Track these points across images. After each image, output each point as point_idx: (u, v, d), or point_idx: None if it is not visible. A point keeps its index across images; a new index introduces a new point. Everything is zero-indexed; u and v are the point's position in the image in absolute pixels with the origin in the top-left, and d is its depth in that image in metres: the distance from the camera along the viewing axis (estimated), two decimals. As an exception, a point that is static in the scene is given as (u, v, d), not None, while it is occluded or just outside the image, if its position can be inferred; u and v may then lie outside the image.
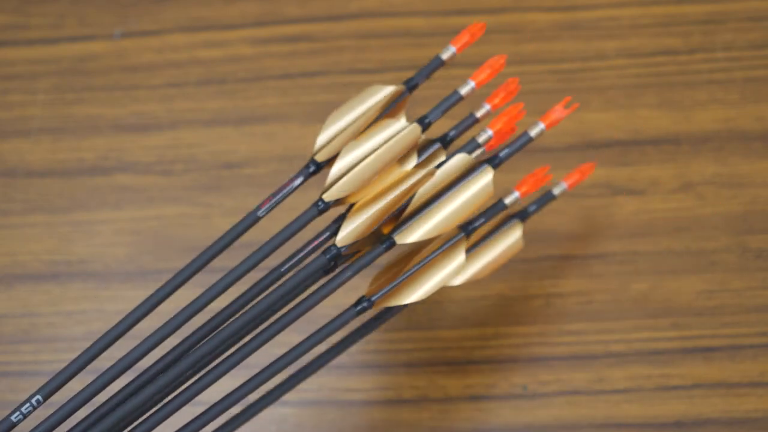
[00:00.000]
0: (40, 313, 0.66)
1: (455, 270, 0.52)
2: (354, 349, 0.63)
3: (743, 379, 0.62)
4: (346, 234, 0.50)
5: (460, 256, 0.52)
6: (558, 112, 0.55)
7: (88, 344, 0.65)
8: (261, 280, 0.50)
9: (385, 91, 0.53)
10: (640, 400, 0.61)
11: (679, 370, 0.62)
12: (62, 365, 0.65)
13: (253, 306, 0.50)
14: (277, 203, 0.51)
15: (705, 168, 0.67)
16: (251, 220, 0.50)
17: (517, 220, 0.56)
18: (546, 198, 0.58)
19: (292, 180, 0.51)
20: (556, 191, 0.58)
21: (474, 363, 0.63)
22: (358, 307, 0.51)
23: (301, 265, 0.51)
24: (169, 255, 0.67)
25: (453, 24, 0.73)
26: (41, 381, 0.65)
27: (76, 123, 0.71)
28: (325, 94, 0.71)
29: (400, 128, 0.52)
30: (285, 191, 0.51)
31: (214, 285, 0.49)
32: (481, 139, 0.54)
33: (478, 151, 0.54)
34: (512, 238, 0.56)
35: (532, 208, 0.58)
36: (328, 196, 0.51)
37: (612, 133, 0.68)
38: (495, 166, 0.53)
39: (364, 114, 0.52)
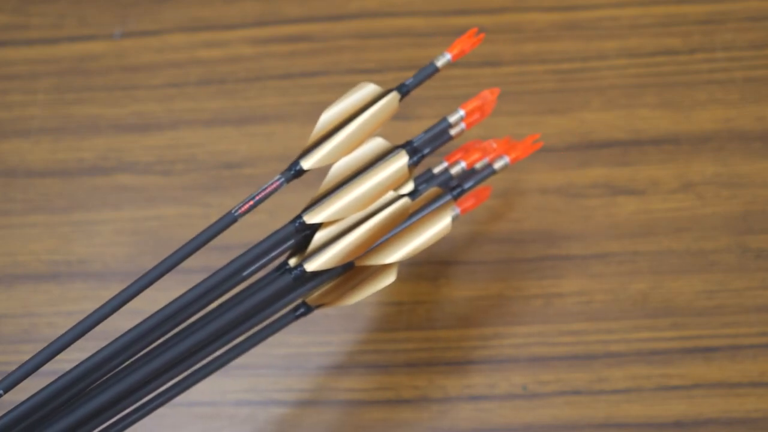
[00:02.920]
0: (40, 313, 0.66)
1: (441, 231, 0.52)
2: (354, 349, 0.63)
3: (743, 379, 0.62)
4: (319, 264, 0.50)
5: (446, 218, 0.52)
6: (525, 149, 0.56)
7: (88, 344, 0.65)
8: (221, 282, 0.50)
9: (378, 94, 0.52)
10: (640, 400, 0.61)
11: (679, 370, 0.62)
12: (62, 365, 0.65)
13: (213, 321, 0.50)
14: (257, 205, 0.50)
15: (705, 168, 0.67)
16: (228, 220, 0.50)
17: (450, 199, 0.54)
18: (485, 173, 0.56)
19: (273, 182, 0.51)
20: (498, 165, 0.56)
21: (474, 363, 0.63)
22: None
23: (262, 274, 0.51)
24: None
25: (453, 24, 0.73)
26: (41, 381, 0.65)
27: (76, 123, 0.71)
28: (325, 94, 0.71)
29: (389, 155, 0.52)
30: (266, 193, 0.50)
31: (180, 297, 0.49)
32: (454, 171, 0.55)
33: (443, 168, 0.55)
34: (440, 224, 0.53)
35: (469, 184, 0.56)
36: (309, 218, 0.51)
37: (612, 133, 0.68)
38: (456, 197, 0.54)
39: (357, 126, 0.51)
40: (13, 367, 0.64)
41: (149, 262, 0.67)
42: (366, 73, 0.71)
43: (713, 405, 0.61)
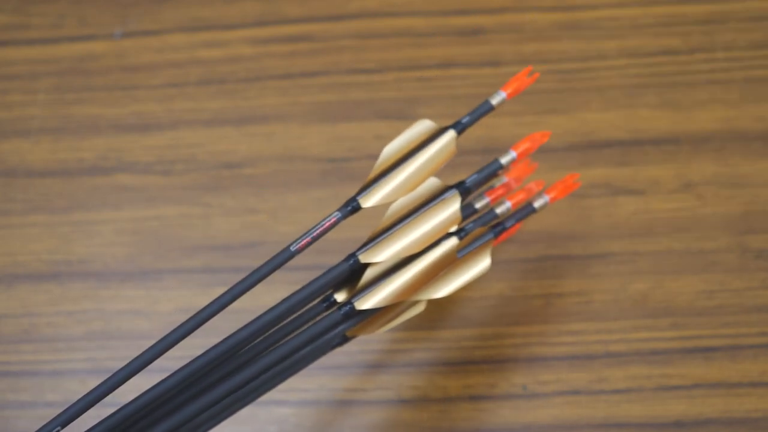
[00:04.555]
0: (40, 313, 0.66)
1: (481, 271, 0.53)
2: (354, 348, 0.63)
3: (743, 379, 0.62)
4: (372, 303, 0.51)
5: (486, 258, 0.53)
6: (564, 189, 0.56)
7: (88, 344, 0.65)
8: (276, 319, 0.50)
9: (434, 131, 0.53)
10: (640, 400, 0.61)
11: (679, 370, 0.62)
12: (62, 365, 0.65)
13: (263, 357, 0.51)
14: (314, 241, 0.50)
15: (705, 168, 0.67)
16: (285, 255, 0.50)
17: (491, 238, 0.55)
18: (525, 212, 0.57)
19: (330, 218, 0.51)
20: (538, 204, 0.57)
21: (474, 363, 0.63)
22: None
23: (307, 310, 0.52)
24: (169, 255, 0.67)
25: (453, 24, 0.73)
26: (41, 381, 0.65)
27: (76, 123, 0.71)
28: (325, 94, 0.71)
29: (441, 195, 0.53)
30: (323, 230, 0.50)
31: (235, 333, 0.50)
32: (499, 210, 0.55)
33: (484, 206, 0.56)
34: (482, 263, 0.54)
35: (510, 222, 0.56)
36: (364, 258, 0.51)
37: (612, 133, 0.68)
38: (497, 234, 0.55)
39: (416, 167, 0.52)
40: (14, 368, 0.65)
41: (149, 262, 0.67)
42: (366, 73, 0.71)
43: (713, 405, 0.61)
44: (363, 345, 0.63)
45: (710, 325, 0.63)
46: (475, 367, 0.63)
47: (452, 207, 0.52)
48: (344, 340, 0.54)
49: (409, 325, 0.64)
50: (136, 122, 0.71)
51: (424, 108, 0.70)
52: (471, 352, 0.63)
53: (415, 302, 0.54)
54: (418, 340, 0.64)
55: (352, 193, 0.69)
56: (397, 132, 0.70)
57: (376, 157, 0.69)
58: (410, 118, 0.69)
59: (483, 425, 0.62)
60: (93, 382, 0.64)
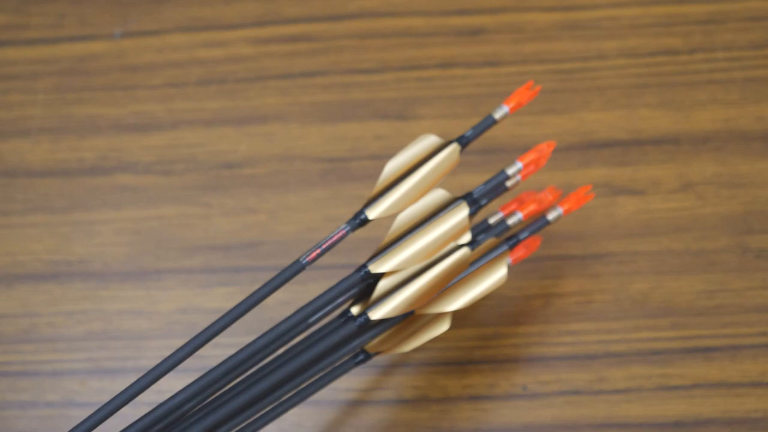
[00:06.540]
0: (40, 313, 0.66)
1: (498, 282, 0.54)
2: (354, 349, 0.63)
3: (743, 379, 0.62)
4: (384, 312, 0.52)
5: (503, 269, 0.54)
6: (577, 201, 0.57)
7: (88, 344, 0.65)
8: (289, 330, 0.51)
9: (439, 146, 0.53)
10: (640, 400, 0.61)
11: (679, 370, 0.62)
12: (62, 365, 0.65)
13: (278, 369, 0.51)
14: (324, 253, 0.51)
15: (705, 168, 0.67)
16: (297, 268, 0.51)
17: (506, 250, 0.56)
18: (539, 224, 0.58)
19: (339, 231, 0.52)
20: (551, 216, 0.57)
21: (474, 363, 0.63)
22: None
23: (326, 321, 0.52)
24: (169, 255, 0.67)
25: (453, 24, 0.73)
26: (41, 381, 0.65)
27: (76, 123, 0.71)
28: (325, 94, 0.71)
29: (450, 206, 0.53)
30: (332, 242, 0.51)
31: (248, 345, 0.50)
32: (510, 222, 0.56)
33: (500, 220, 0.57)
34: (498, 274, 0.54)
35: (524, 234, 0.57)
36: (374, 268, 0.52)
37: (612, 133, 0.68)
38: (511, 248, 0.55)
39: (420, 177, 0.53)
40: (14, 368, 0.65)
41: (149, 262, 0.67)
42: (366, 73, 0.71)
43: (713, 405, 0.61)
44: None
45: (710, 325, 0.63)
46: (475, 367, 0.63)
47: (459, 215, 0.53)
48: (367, 356, 0.55)
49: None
50: (136, 122, 0.71)
51: (425, 108, 0.70)
52: (471, 352, 0.63)
53: (438, 318, 0.54)
54: (418, 340, 0.64)
55: (353, 193, 0.69)
56: (397, 132, 0.70)
57: (376, 157, 0.69)
58: (410, 118, 0.69)
59: (483, 425, 0.62)
60: (93, 383, 0.64)
